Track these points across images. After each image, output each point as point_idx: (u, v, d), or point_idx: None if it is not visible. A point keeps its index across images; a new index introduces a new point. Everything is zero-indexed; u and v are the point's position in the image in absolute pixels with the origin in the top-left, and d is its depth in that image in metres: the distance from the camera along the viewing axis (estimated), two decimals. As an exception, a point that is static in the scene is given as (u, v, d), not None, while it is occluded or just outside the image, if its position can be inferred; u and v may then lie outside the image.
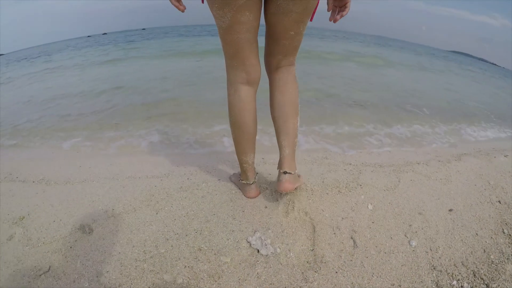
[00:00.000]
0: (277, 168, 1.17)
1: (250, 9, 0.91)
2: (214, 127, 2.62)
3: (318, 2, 0.98)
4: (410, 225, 1.21)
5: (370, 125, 2.89)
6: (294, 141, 1.14)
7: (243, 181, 1.29)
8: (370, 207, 1.31)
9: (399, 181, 1.54)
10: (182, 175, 1.56)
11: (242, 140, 1.14)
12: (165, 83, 4.61)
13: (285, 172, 1.12)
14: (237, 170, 1.55)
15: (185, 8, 0.94)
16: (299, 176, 1.30)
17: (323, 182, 1.47)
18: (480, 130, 3.29)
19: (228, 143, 2.27)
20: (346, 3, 0.91)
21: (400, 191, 1.45)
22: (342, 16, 0.93)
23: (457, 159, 1.91)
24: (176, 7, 0.93)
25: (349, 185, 1.46)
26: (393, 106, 3.76)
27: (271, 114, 1.16)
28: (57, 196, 1.40)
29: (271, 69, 1.13)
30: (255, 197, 1.31)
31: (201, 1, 0.99)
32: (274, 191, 1.36)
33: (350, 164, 1.75)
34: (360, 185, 1.46)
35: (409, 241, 1.13)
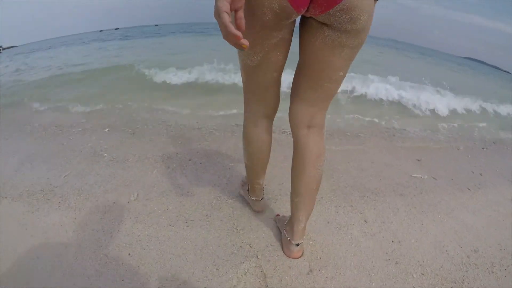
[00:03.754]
0: (285, 234, 1.15)
1: (281, 49, 0.83)
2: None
3: None
4: None
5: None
6: (310, 214, 1.09)
7: (252, 198, 1.35)
8: None
9: None
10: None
11: (258, 167, 1.17)
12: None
13: (297, 244, 1.12)
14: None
15: (241, 37, 0.55)
16: None
17: None
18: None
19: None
20: None
21: None
22: None
23: None
24: (232, 36, 0.54)
25: None
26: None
27: (294, 184, 1.03)
28: None
29: (302, 126, 0.96)
30: (262, 211, 1.40)
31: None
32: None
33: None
34: None
35: None
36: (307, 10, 0.71)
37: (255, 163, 1.15)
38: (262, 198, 1.36)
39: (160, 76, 4.37)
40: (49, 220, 1.37)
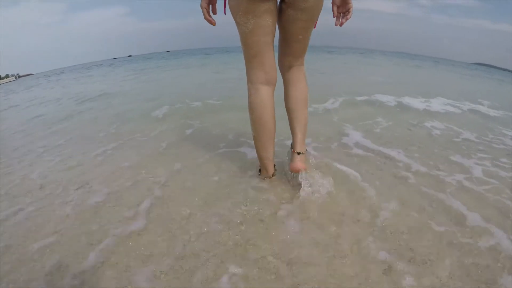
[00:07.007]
0: (290, 149, 1.33)
1: (270, 15, 1.10)
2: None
3: (319, 13, 1.15)
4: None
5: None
6: (305, 128, 1.32)
7: (262, 176, 1.40)
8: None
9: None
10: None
11: (263, 137, 1.26)
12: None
13: (298, 153, 1.28)
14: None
15: (215, 23, 1.16)
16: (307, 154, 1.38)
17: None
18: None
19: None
20: (349, 9, 1.11)
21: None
22: (347, 19, 1.13)
23: None
24: (208, 21, 1.13)
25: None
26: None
27: (286, 106, 1.34)
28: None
29: (284, 68, 1.32)
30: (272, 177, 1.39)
31: (223, 13, 1.15)
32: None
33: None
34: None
35: None
36: None
37: (261, 132, 1.24)
38: (273, 175, 1.38)
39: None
40: None
